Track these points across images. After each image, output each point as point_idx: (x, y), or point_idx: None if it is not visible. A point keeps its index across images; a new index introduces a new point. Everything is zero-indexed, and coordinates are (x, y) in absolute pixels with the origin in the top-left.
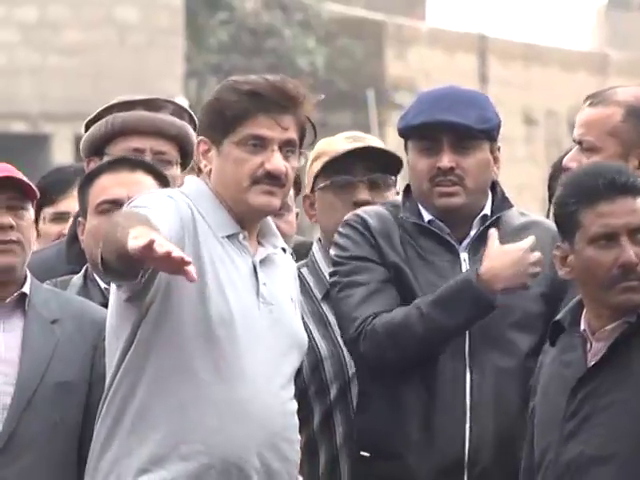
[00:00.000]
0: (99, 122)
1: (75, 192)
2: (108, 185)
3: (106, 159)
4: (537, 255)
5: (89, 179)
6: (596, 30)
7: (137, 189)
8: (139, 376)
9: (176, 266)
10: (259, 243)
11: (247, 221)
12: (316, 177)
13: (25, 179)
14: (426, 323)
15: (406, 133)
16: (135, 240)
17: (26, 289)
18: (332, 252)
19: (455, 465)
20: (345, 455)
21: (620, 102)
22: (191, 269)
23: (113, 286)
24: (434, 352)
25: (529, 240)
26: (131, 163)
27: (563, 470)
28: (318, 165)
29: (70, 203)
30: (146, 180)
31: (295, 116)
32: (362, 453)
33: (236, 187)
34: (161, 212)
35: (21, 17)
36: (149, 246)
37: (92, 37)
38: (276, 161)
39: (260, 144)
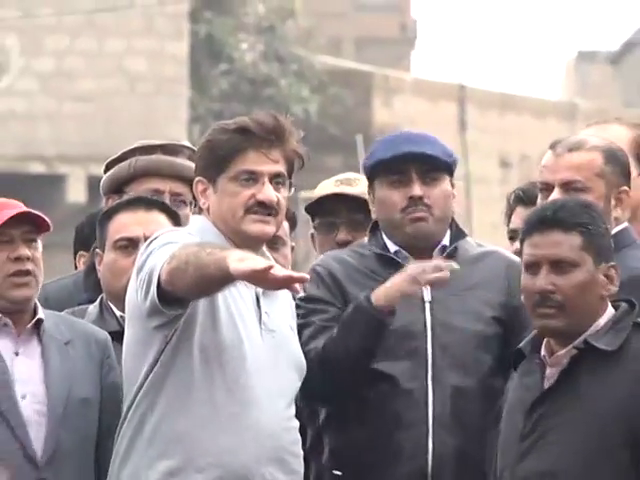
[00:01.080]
0: (121, 164)
1: None
2: (126, 223)
3: (124, 197)
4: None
5: (108, 215)
6: (565, 81)
7: (153, 228)
8: (158, 395)
9: (284, 283)
10: None
11: (249, 250)
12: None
13: (41, 214)
14: (335, 346)
15: (375, 170)
16: (241, 262)
17: (40, 315)
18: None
19: (420, 478)
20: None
21: (598, 147)
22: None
23: (136, 315)
24: (357, 376)
25: (433, 262)
26: (147, 202)
27: None
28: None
29: None
30: (161, 219)
31: (282, 150)
32: (335, 472)
33: (232, 218)
34: None
35: (39, 67)
36: (266, 269)
37: (104, 85)
38: (267, 191)
39: (252, 177)
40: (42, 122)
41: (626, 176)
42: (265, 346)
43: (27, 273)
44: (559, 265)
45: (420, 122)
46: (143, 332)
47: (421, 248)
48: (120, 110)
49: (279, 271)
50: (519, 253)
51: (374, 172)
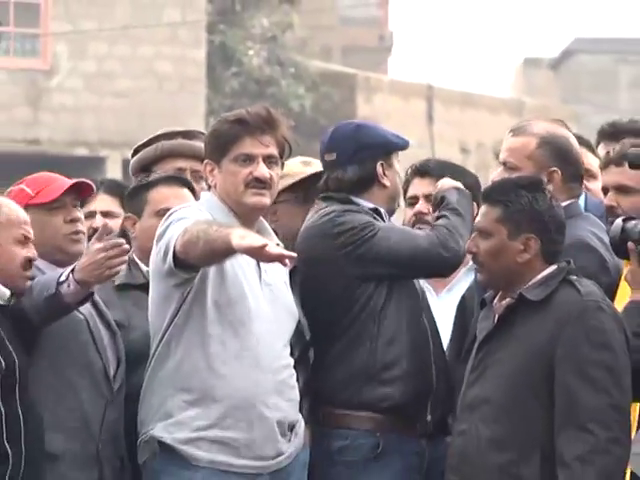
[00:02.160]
0: (148, 147)
1: (99, 197)
2: (167, 196)
3: (158, 175)
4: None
5: (147, 187)
6: (514, 82)
7: (184, 202)
8: (179, 340)
9: (277, 259)
10: None
11: (248, 221)
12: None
13: (89, 182)
14: None
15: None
16: (242, 239)
17: None
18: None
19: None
20: (305, 400)
21: (534, 133)
22: (287, 260)
23: (158, 275)
24: None
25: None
26: (180, 181)
27: (464, 407)
28: (284, 183)
29: (94, 205)
30: (187, 194)
31: (273, 135)
32: None
33: (235, 193)
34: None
35: (84, 69)
36: (262, 247)
37: (137, 84)
38: (261, 169)
39: (248, 159)
40: (86, 114)
41: (561, 159)
42: (264, 298)
43: (79, 232)
44: (481, 233)
45: (395, 116)
46: (164, 289)
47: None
48: (150, 104)
49: (272, 249)
50: (416, 217)
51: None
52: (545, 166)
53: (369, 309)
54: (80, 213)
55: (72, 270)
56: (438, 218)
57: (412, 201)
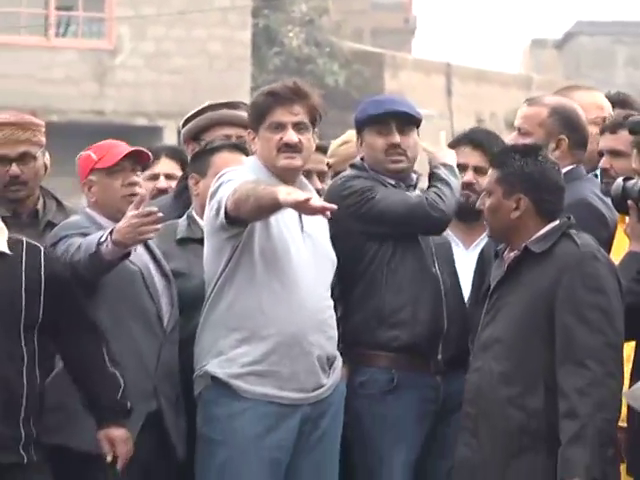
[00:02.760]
0: (198, 117)
1: (162, 160)
2: (229, 160)
3: (222, 142)
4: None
5: (211, 151)
6: (523, 60)
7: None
8: (230, 286)
9: (319, 211)
10: None
11: (286, 181)
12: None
13: (147, 151)
14: None
15: (365, 122)
16: (288, 195)
17: None
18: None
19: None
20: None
21: (546, 104)
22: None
23: (211, 230)
24: None
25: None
26: (240, 148)
27: (479, 347)
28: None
29: (157, 168)
30: (245, 160)
31: (302, 105)
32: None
33: (269, 157)
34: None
35: (144, 49)
36: (306, 200)
37: (191, 63)
38: (290, 135)
39: (279, 126)
40: (146, 89)
41: (568, 128)
42: (306, 248)
43: (135, 194)
44: (486, 192)
45: (418, 90)
46: (217, 242)
47: (403, 181)
48: (201, 81)
49: (316, 202)
50: (466, 186)
51: (364, 124)
52: (554, 133)
53: (377, 262)
54: (138, 177)
55: (111, 232)
56: (429, 187)
57: (459, 169)
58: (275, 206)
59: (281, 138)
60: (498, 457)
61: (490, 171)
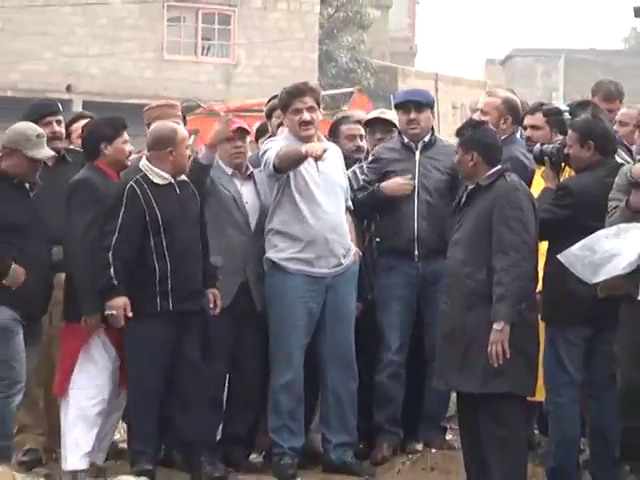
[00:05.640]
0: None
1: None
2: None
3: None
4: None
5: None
6: (482, 71)
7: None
8: (279, 207)
9: (322, 155)
10: None
11: (306, 143)
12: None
13: (246, 127)
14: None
15: (397, 105)
16: (312, 148)
17: (251, 170)
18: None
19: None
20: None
21: (500, 96)
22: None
23: (265, 176)
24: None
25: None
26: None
27: (452, 243)
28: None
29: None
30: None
31: (310, 95)
32: (376, 239)
33: (294, 130)
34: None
35: (254, 64)
36: (317, 152)
37: (281, 72)
38: (305, 116)
39: (298, 111)
40: (254, 88)
41: (512, 112)
42: (321, 181)
43: (243, 155)
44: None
45: None
46: (270, 183)
47: (416, 141)
48: (288, 84)
49: (320, 151)
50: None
51: (396, 106)
52: (504, 114)
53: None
54: (245, 142)
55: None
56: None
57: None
58: (302, 158)
59: (300, 118)
60: (460, 309)
61: (459, 140)
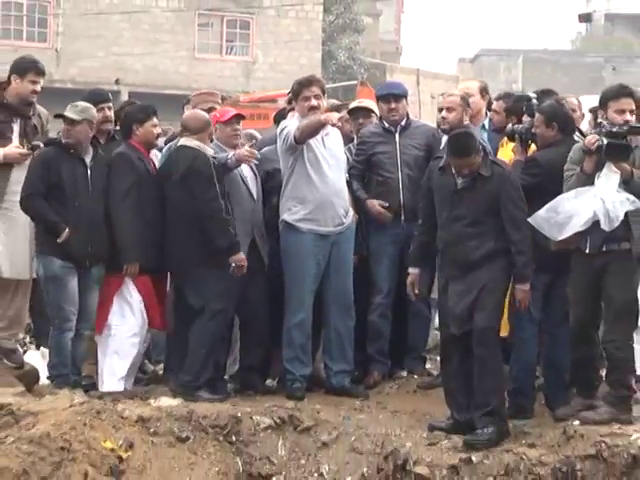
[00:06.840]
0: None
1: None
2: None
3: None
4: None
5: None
6: (456, 68)
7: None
8: (293, 175)
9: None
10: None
11: None
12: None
13: (243, 114)
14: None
15: (378, 96)
16: (327, 117)
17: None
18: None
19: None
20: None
21: (460, 95)
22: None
23: (283, 149)
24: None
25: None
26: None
27: (451, 219)
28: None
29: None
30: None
31: (316, 85)
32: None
33: (304, 115)
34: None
35: (268, 61)
36: (338, 119)
37: (291, 68)
38: (312, 102)
39: (307, 98)
40: (269, 82)
41: (469, 106)
42: (327, 153)
43: (237, 135)
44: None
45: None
46: (286, 156)
47: (395, 125)
48: (295, 74)
49: (336, 118)
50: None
51: (378, 98)
52: (464, 108)
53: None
54: (239, 126)
55: (233, 154)
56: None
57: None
58: (321, 125)
59: (309, 104)
60: (461, 270)
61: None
